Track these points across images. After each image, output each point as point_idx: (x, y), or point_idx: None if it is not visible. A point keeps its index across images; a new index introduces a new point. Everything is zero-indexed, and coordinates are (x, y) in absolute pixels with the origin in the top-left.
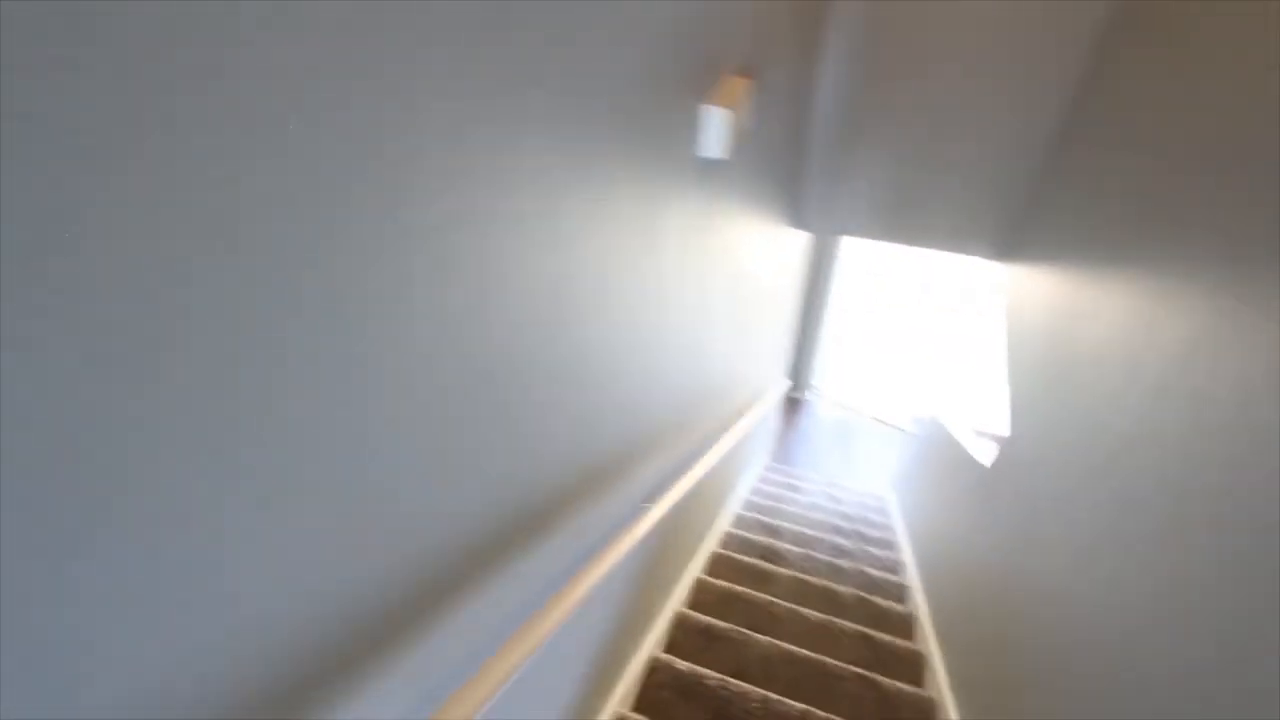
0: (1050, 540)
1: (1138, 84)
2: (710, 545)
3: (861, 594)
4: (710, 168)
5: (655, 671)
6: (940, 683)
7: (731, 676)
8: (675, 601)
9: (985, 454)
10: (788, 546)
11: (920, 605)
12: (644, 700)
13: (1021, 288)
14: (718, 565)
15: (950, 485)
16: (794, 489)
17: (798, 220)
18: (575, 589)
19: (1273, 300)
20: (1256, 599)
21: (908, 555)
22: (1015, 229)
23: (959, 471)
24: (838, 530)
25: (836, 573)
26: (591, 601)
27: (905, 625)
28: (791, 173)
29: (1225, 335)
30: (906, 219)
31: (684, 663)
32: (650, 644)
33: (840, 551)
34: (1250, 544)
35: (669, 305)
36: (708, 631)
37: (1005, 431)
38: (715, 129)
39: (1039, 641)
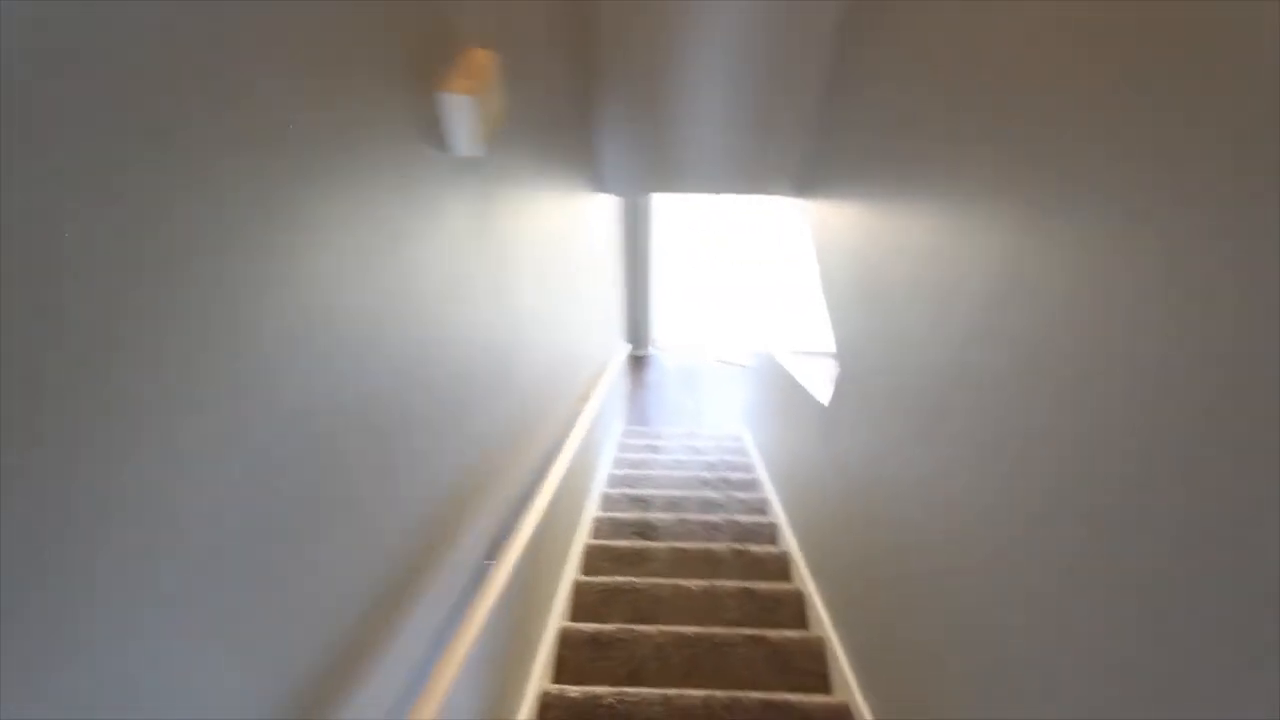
0: (894, 475)
1: (909, 9)
2: (582, 539)
3: (736, 546)
4: (473, 161)
5: (548, 708)
6: (823, 619)
7: (628, 682)
8: (556, 617)
9: (823, 393)
10: (659, 516)
11: (791, 542)
12: None
13: (827, 224)
14: (593, 559)
15: (796, 423)
16: (655, 450)
17: (600, 184)
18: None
19: (1062, 238)
20: (1065, 519)
21: (771, 492)
22: (811, 165)
23: (802, 410)
24: (704, 483)
25: (710, 530)
26: (458, 683)
27: (781, 567)
28: (582, 138)
29: (1028, 276)
30: (704, 168)
31: (576, 688)
32: (538, 676)
33: (710, 505)
34: (1066, 477)
35: (462, 333)
36: (595, 640)
37: (837, 361)
38: (462, 121)
39: (900, 570)
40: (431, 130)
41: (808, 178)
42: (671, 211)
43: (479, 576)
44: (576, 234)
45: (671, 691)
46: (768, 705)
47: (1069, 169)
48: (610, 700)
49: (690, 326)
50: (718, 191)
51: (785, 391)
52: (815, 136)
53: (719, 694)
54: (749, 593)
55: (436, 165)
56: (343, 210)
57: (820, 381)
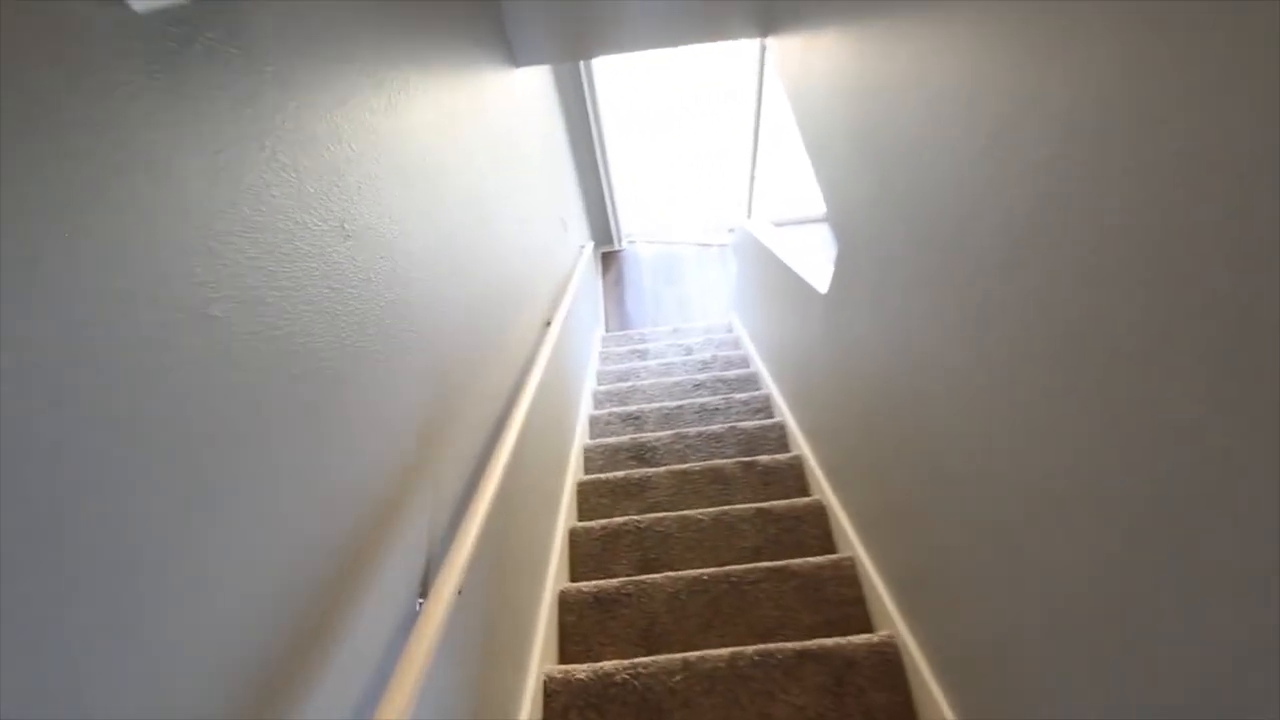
0: (920, 360)
1: None
2: (574, 477)
3: (744, 459)
4: (192, 26)
5: (554, 695)
6: (849, 535)
7: (640, 644)
8: (554, 578)
9: (818, 278)
10: (655, 434)
11: (802, 444)
12: None
13: (803, 61)
14: (588, 497)
15: (791, 311)
16: (641, 355)
17: (512, 57)
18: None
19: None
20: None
21: (772, 387)
22: None
23: (797, 297)
24: (699, 386)
25: (712, 443)
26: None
27: (797, 476)
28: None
29: (1149, 100)
30: (643, 17)
31: (583, 668)
32: (539, 656)
33: (708, 413)
34: (1098, 344)
35: (281, 325)
36: (599, 600)
37: (834, 234)
38: None
39: (930, 468)
40: None
41: (774, 7)
42: (621, 83)
43: (409, 617)
44: (492, 127)
45: (692, 655)
46: (803, 655)
47: None
48: (623, 677)
49: (662, 211)
50: (665, 45)
51: (775, 276)
52: None
53: (746, 649)
54: (764, 514)
55: (110, 39)
56: None
57: (813, 262)
